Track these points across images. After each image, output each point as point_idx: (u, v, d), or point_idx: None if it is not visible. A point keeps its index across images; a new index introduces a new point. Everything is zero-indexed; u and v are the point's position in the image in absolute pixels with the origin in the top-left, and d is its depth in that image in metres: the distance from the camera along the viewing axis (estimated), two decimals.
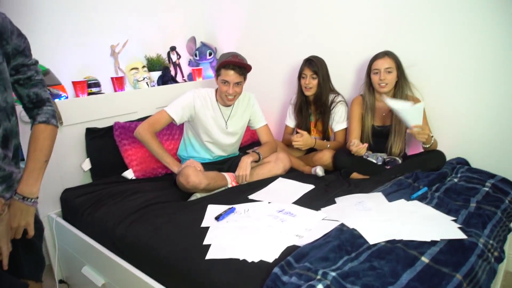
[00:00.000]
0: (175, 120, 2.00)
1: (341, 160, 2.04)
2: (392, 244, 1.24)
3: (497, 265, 1.25)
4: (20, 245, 1.12)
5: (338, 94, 2.29)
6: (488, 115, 1.94)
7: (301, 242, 1.32)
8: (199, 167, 1.93)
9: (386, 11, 2.14)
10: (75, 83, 2.16)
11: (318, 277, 1.06)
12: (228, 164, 2.19)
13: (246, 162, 2.00)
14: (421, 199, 1.61)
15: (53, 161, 1.97)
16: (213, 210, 1.65)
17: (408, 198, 1.62)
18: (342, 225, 1.39)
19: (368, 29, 2.24)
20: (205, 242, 1.37)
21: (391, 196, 1.65)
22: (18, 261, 1.13)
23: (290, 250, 1.25)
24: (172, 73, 2.78)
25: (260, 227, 1.46)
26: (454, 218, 1.41)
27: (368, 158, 2.06)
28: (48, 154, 1.14)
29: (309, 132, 2.35)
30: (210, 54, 2.96)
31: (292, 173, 2.12)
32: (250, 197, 1.80)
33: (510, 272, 1.98)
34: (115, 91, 2.39)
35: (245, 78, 2.03)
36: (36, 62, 1.16)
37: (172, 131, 2.35)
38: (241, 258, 1.24)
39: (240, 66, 1.94)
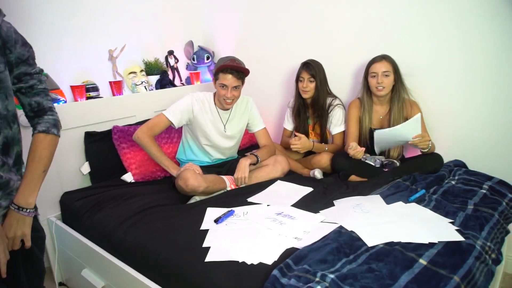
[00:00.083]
0: (174, 123, 2.01)
1: (339, 163, 2.05)
2: (390, 246, 1.25)
3: (494, 267, 1.26)
4: (19, 254, 1.11)
5: (336, 97, 2.31)
6: (485, 117, 1.95)
7: (300, 244, 1.32)
8: (198, 170, 1.94)
9: (383, 16, 2.16)
10: (73, 88, 2.16)
11: (317, 279, 1.07)
12: (226, 167, 2.19)
13: (244, 164, 2.01)
14: (419, 201, 1.62)
15: (52, 164, 1.96)
16: (212, 213, 1.65)
17: (406, 201, 1.63)
18: (341, 227, 1.40)
19: (365, 33, 2.26)
20: (204, 245, 1.38)
21: (389, 198, 1.66)
22: (16, 271, 1.12)
23: (289, 253, 1.26)
24: (170, 77, 2.78)
25: (259, 229, 1.47)
26: (451, 221, 1.42)
27: (366, 161, 2.07)
28: (46, 164, 1.13)
29: (307, 135, 2.37)
30: (207, 58, 2.97)
31: (290, 176, 2.13)
32: (249, 199, 1.81)
33: (509, 274, 1.99)
34: (114, 95, 2.39)
35: (243, 82, 2.04)
36: (41, 71, 1.16)
37: (170, 134, 2.36)
38: (240, 261, 1.25)
39: (238, 70, 1.95)
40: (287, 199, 1.78)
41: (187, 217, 1.64)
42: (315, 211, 1.62)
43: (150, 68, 2.67)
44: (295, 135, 2.16)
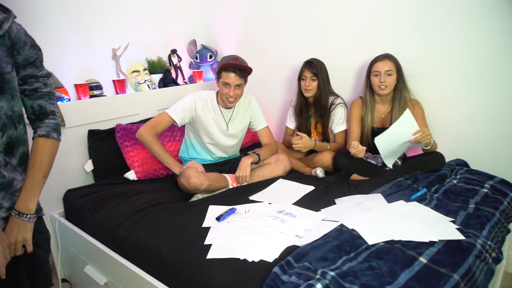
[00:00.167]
0: (177, 122, 2.02)
1: (341, 162, 2.05)
2: (390, 245, 1.25)
3: (495, 266, 1.26)
4: (21, 259, 1.11)
5: (338, 96, 2.31)
6: (487, 116, 1.95)
7: (301, 242, 1.33)
8: (200, 168, 1.95)
9: (386, 15, 2.16)
10: (77, 86, 2.18)
11: (317, 276, 1.08)
12: (229, 165, 2.20)
13: (246, 163, 2.02)
14: (420, 200, 1.62)
15: (56, 162, 1.99)
16: (214, 210, 1.66)
17: (407, 199, 1.63)
18: (342, 225, 1.40)
19: (367, 33, 2.26)
20: (206, 242, 1.39)
21: (390, 197, 1.67)
22: (19, 276, 1.12)
23: (290, 250, 1.27)
24: (173, 75, 2.80)
25: (261, 227, 1.48)
26: (452, 219, 1.43)
27: (368, 160, 2.07)
28: (46, 169, 1.13)
29: (309, 133, 2.37)
30: (210, 57, 2.99)
31: (292, 174, 2.14)
32: (251, 198, 1.82)
33: (510, 273, 1.99)
34: (117, 93, 2.41)
35: (246, 81, 2.05)
36: (48, 74, 1.15)
37: (173, 132, 2.37)
38: (241, 258, 1.26)
39: (241, 68, 1.96)
40: (288, 197, 1.79)
41: (189, 214, 1.66)
42: (317, 209, 1.63)
43: (153, 67, 2.69)
44: (297, 134, 2.16)
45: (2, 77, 0.99)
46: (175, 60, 2.84)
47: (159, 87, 2.69)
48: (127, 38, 2.55)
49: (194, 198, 1.90)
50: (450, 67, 2.01)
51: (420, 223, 1.40)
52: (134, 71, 2.55)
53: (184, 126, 2.23)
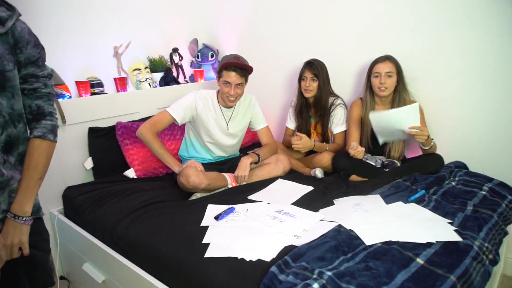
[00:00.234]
0: (177, 120, 2.03)
1: (340, 162, 2.06)
2: (388, 245, 1.26)
3: (491, 268, 1.27)
4: (19, 262, 1.11)
5: (338, 97, 2.32)
6: (487, 119, 1.96)
7: (299, 242, 1.34)
8: (199, 167, 1.95)
9: (387, 16, 2.16)
10: (78, 83, 2.19)
11: (314, 276, 1.08)
12: (228, 164, 2.21)
13: (245, 163, 2.02)
14: (419, 201, 1.62)
15: (56, 159, 2.01)
16: (212, 209, 1.67)
17: (406, 201, 1.64)
18: (340, 226, 1.41)
19: (368, 34, 2.27)
20: (204, 241, 1.39)
21: (388, 198, 1.67)
22: (17, 278, 1.12)
23: (288, 250, 1.27)
24: (174, 74, 2.80)
25: (259, 227, 1.48)
26: (450, 221, 1.43)
27: (367, 161, 2.07)
28: (42, 171, 1.11)
29: (309, 134, 2.38)
30: (212, 56, 2.99)
31: (291, 175, 2.14)
32: (250, 197, 1.82)
33: (507, 275, 1.99)
34: (118, 91, 2.41)
35: (246, 80, 2.05)
36: (49, 75, 1.13)
37: (173, 131, 2.38)
38: (239, 257, 1.26)
39: (241, 67, 1.97)
40: (287, 197, 1.79)
41: (188, 213, 1.66)
42: (315, 209, 1.63)
43: (154, 65, 2.69)
44: (297, 135, 2.17)
45: (3, 75, 0.99)
46: (176, 58, 2.84)
47: (160, 85, 2.69)
48: (129, 36, 2.55)
49: (193, 197, 1.91)
50: (450, 70, 2.01)
51: (418, 224, 1.40)
52: (135, 69, 2.56)
53: (184, 124, 2.23)
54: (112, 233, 1.63)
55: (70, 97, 2.15)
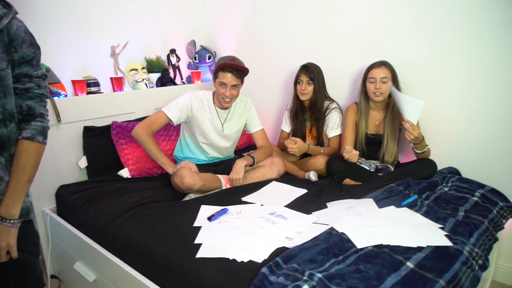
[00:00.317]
0: (172, 120, 2.03)
1: (334, 166, 2.07)
2: (379, 249, 1.26)
3: (481, 273, 1.28)
4: (8, 266, 1.09)
5: (333, 101, 2.33)
6: (480, 126, 1.97)
7: (291, 244, 1.34)
8: (194, 168, 1.95)
9: (383, 21, 2.18)
10: (74, 82, 2.19)
11: (305, 278, 1.09)
12: (223, 166, 2.21)
13: (240, 165, 2.02)
14: (411, 206, 1.63)
15: (50, 157, 2.02)
16: (206, 210, 1.67)
17: (398, 205, 1.64)
18: (332, 229, 1.41)
19: (365, 39, 2.28)
20: (196, 241, 1.39)
21: (381, 202, 1.68)
22: (5, 282, 1.10)
23: (280, 252, 1.28)
24: (171, 75, 2.81)
25: (251, 228, 1.49)
26: (441, 226, 1.44)
27: (361, 165, 2.09)
28: (31, 173, 1.08)
29: (304, 137, 2.39)
30: (209, 58, 3.00)
31: (285, 177, 2.15)
32: (243, 199, 1.82)
33: (497, 282, 2.00)
34: (114, 91, 2.42)
35: (242, 82, 2.06)
36: (44, 75, 1.11)
37: (169, 132, 2.38)
38: (230, 258, 1.27)
39: (237, 69, 1.98)
40: (281, 199, 1.80)
41: (181, 213, 1.66)
42: (308, 212, 1.63)
43: (151, 66, 2.70)
44: (291, 139, 2.17)
45: None
46: (173, 59, 2.85)
47: (157, 86, 2.70)
48: (126, 36, 2.56)
49: (186, 198, 1.91)
50: (445, 76, 2.03)
51: (409, 229, 1.41)
52: (132, 69, 2.56)
53: (179, 125, 2.24)
54: (105, 232, 1.63)
55: (66, 95, 2.15)
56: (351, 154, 1.92)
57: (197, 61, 3.01)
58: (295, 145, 2.13)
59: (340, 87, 2.45)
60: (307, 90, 2.26)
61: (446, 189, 1.82)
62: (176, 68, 2.87)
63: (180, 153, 2.25)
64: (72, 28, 2.28)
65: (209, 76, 3.05)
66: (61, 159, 2.11)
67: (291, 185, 1.99)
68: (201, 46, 3.05)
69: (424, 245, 1.28)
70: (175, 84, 2.78)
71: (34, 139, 1.08)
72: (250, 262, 1.24)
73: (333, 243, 1.30)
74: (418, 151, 1.94)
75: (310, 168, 2.19)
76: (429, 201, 1.68)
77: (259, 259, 1.25)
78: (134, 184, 2.05)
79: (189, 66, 3.08)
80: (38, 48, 1.09)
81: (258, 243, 1.36)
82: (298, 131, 2.41)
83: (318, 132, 2.35)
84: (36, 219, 1.95)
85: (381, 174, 2.05)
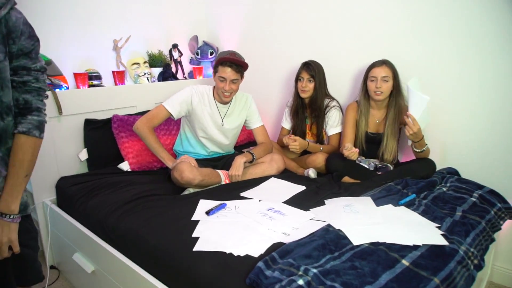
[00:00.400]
0: (173, 115, 2.04)
1: (333, 164, 2.07)
2: (375, 246, 1.27)
3: (476, 272, 1.28)
4: (9, 262, 1.09)
5: (333, 99, 2.33)
6: (480, 127, 1.97)
7: (288, 239, 1.35)
8: (193, 162, 1.96)
9: (385, 21, 2.18)
10: (76, 75, 2.20)
11: (300, 272, 1.09)
12: (223, 161, 2.22)
13: (239, 162, 2.03)
14: (409, 205, 1.64)
15: (50, 149, 2.03)
16: (204, 204, 1.68)
17: (396, 204, 1.65)
18: (329, 225, 1.42)
19: (366, 37, 2.28)
20: (194, 235, 1.40)
21: (379, 201, 1.68)
22: (7, 279, 1.11)
23: (276, 247, 1.28)
24: (173, 70, 2.82)
25: (249, 223, 1.49)
26: (438, 225, 1.45)
27: (361, 163, 2.09)
28: (28, 168, 1.07)
29: (304, 134, 2.39)
30: (211, 54, 3.00)
31: (285, 174, 2.15)
32: (242, 194, 1.83)
33: (494, 283, 2.01)
34: (116, 84, 2.42)
35: (242, 76, 2.07)
36: (42, 68, 1.08)
37: (169, 126, 2.39)
38: (227, 252, 1.27)
39: (237, 63, 1.99)
40: (279, 195, 1.80)
41: (180, 207, 1.67)
42: (306, 208, 1.64)
43: (153, 60, 2.70)
44: (289, 137, 2.17)
45: None
46: (176, 54, 2.85)
47: (159, 80, 2.70)
48: (129, 30, 2.56)
49: (185, 192, 1.92)
50: (447, 75, 2.03)
51: (406, 227, 1.42)
52: (134, 63, 2.57)
53: (180, 119, 2.24)
54: (104, 224, 1.64)
55: (68, 88, 2.16)
56: (351, 151, 1.93)
57: (199, 57, 3.01)
58: (296, 143, 2.14)
59: (341, 85, 2.45)
60: (307, 88, 2.27)
61: (444, 189, 1.82)
62: (178, 63, 2.87)
63: (180, 148, 2.25)
64: (75, 21, 2.29)
65: (211, 71, 3.05)
66: (62, 151, 2.12)
67: (290, 182, 1.99)
68: (203, 41, 3.05)
69: (420, 244, 1.29)
70: (176, 79, 2.79)
71: (30, 134, 1.06)
72: (247, 256, 1.25)
73: (330, 239, 1.30)
74: (418, 150, 1.94)
75: (309, 165, 2.20)
76: (427, 200, 1.69)
77: (256, 253, 1.26)
78: (133, 177, 2.06)
79: (191, 61, 3.09)
80: (37, 40, 1.06)
81: (255, 238, 1.37)
82: (298, 128, 2.42)
83: (318, 129, 2.35)
84: (36, 210, 1.99)
85: (380, 173, 2.05)
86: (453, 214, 1.57)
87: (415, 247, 1.27)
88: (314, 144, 2.31)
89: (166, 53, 2.81)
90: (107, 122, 2.26)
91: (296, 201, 1.74)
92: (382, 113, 2.14)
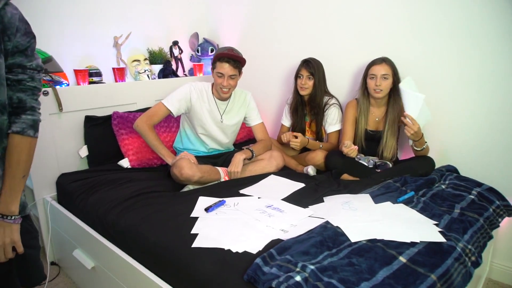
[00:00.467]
0: (172, 112, 2.05)
1: (333, 161, 2.08)
2: (372, 243, 1.28)
3: (473, 269, 1.29)
4: (13, 262, 1.09)
5: (333, 97, 2.33)
6: (480, 124, 1.97)
7: (286, 236, 1.35)
8: (193, 159, 1.97)
9: (385, 18, 2.18)
10: (76, 71, 2.20)
11: (297, 269, 1.10)
12: (222, 158, 2.23)
13: (238, 159, 2.04)
14: (407, 202, 1.64)
15: (51, 146, 2.04)
16: (203, 201, 1.69)
17: (395, 201, 1.65)
18: (327, 222, 1.43)
19: (366, 35, 2.28)
20: (193, 231, 1.41)
21: (378, 198, 1.69)
22: (10, 277, 1.11)
23: (274, 244, 1.29)
24: (173, 67, 2.82)
25: (248, 220, 1.50)
26: (436, 222, 1.45)
27: (360, 161, 2.09)
28: (25, 168, 1.05)
29: (303, 132, 2.40)
30: (211, 51, 3.00)
31: (284, 171, 2.16)
32: (241, 191, 1.84)
33: (492, 280, 2.01)
34: (116, 81, 2.43)
35: (240, 72, 2.08)
36: (39, 66, 1.05)
37: (169, 123, 2.39)
38: (226, 248, 1.28)
39: (234, 59, 1.99)
40: (278, 193, 1.81)
41: (179, 204, 1.68)
42: (305, 206, 1.65)
43: (154, 57, 2.70)
44: (294, 136, 2.17)
45: None
46: (176, 51, 2.85)
47: (159, 77, 2.71)
48: (129, 27, 2.57)
49: (185, 189, 1.93)
50: (447, 74, 2.03)
51: (404, 224, 1.42)
52: (134, 60, 2.57)
53: (180, 116, 2.25)
54: (103, 221, 1.65)
55: (68, 84, 2.16)
56: (350, 149, 1.93)
57: (199, 54, 3.01)
58: (298, 139, 2.14)
59: (341, 83, 2.45)
60: (307, 85, 2.27)
61: (443, 186, 1.83)
62: (178, 60, 2.87)
63: (180, 145, 2.26)
64: (76, 18, 2.29)
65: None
66: (62, 148, 2.13)
67: (289, 179, 2.00)
68: (203, 38, 3.05)
69: (418, 241, 1.30)
70: (177, 76, 2.79)
71: (25, 133, 1.04)
72: (245, 253, 1.26)
73: (327, 236, 1.31)
74: (417, 148, 1.95)
75: (308, 162, 2.20)
76: (425, 198, 1.69)
77: (254, 250, 1.27)
78: (133, 174, 2.07)
79: (192, 58, 3.09)
80: (34, 37, 1.03)
81: (253, 235, 1.38)
82: (297, 126, 2.42)
83: (317, 127, 2.35)
84: (37, 207, 2.00)
85: (379, 171, 2.06)
86: (451, 212, 1.58)
87: (413, 244, 1.28)
88: (314, 141, 2.31)
89: (167, 50, 2.81)
90: (108, 119, 2.26)
91: (295, 198, 1.74)
92: (381, 111, 2.15)
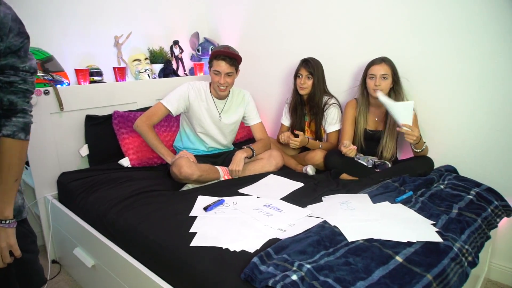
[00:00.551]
0: (171, 111, 2.06)
1: (332, 161, 2.08)
2: (369, 243, 1.28)
3: (470, 269, 1.29)
4: (11, 266, 1.08)
5: (332, 96, 2.34)
6: (481, 125, 1.96)
7: (284, 236, 1.36)
8: (192, 158, 1.98)
9: (385, 18, 2.18)
10: (77, 71, 2.21)
11: (294, 268, 1.11)
12: (222, 158, 2.24)
13: (240, 157, 2.05)
14: (405, 202, 1.65)
15: (52, 145, 2.06)
16: (202, 200, 1.70)
17: (393, 201, 1.66)
18: (325, 222, 1.43)
19: (366, 35, 2.28)
20: (191, 230, 1.42)
21: (376, 198, 1.69)
22: (11, 281, 1.10)
23: (272, 243, 1.30)
24: (174, 66, 2.83)
25: (246, 219, 1.51)
26: (433, 222, 1.46)
27: (359, 161, 2.10)
28: (17, 172, 1.03)
29: (303, 131, 2.40)
30: (212, 50, 3.01)
31: (283, 171, 2.17)
32: (240, 190, 1.85)
33: (491, 280, 2.02)
34: (117, 80, 2.44)
35: (237, 70, 2.09)
36: (32, 68, 1.02)
37: (169, 123, 2.40)
38: (223, 247, 1.29)
39: (231, 57, 2.00)
40: (277, 192, 1.82)
41: (178, 203, 1.69)
42: (303, 205, 1.66)
43: (154, 57, 2.72)
44: (296, 134, 2.17)
45: None
46: (176, 51, 2.86)
47: (159, 77, 2.72)
48: (130, 26, 2.58)
49: (184, 188, 1.94)
50: (446, 74, 2.03)
51: (401, 224, 1.43)
52: (135, 60, 2.58)
53: (179, 115, 2.26)
54: (103, 219, 1.67)
55: (69, 84, 2.18)
56: (349, 148, 1.94)
57: (200, 53, 3.02)
58: (298, 139, 2.14)
59: (341, 82, 2.46)
60: (306, 84, 2.27)
61: (442, 186, 1.83)
62: (179, 59, 2.88)
63: (180, 144, 2.27)
64: (77, 17, 2.30)
65: None
66: (63, 146, 2.15)
67: (288, 179, 2.01)
68: (204, 38, 3.06)
69: (415, 241, 1.30)
70: (177, 75, 2.80)
71: (16, 137, 1.01)
72: (242, 252, 1.27)
73: (325, 235, 1.32)
74: (417, 150, 1.95)
75: (308, 162, 2.21)
76: (424, 198, 1.69)
77: (251, 249, 1.28)
78: (134, 173, 2.08)
79: (192, 58, 3.10)
80: (27, 37, 1.00)
81: (251, 234, 1.39)
82: (297, 125, 2.43)
83: (317, 126, 2.36)
84: (38, 205, 2.01)
85: (378, 170, 2.06)
86: (449, 212, 1.58)
87: (409, 244, 1.28)
88: (313, 141, 2.32)
89: (167, 49, 2.83)
90: (108, 118, 2.28)
91: (293, 198, 1.75)
92: (381, 110, 2.15)
